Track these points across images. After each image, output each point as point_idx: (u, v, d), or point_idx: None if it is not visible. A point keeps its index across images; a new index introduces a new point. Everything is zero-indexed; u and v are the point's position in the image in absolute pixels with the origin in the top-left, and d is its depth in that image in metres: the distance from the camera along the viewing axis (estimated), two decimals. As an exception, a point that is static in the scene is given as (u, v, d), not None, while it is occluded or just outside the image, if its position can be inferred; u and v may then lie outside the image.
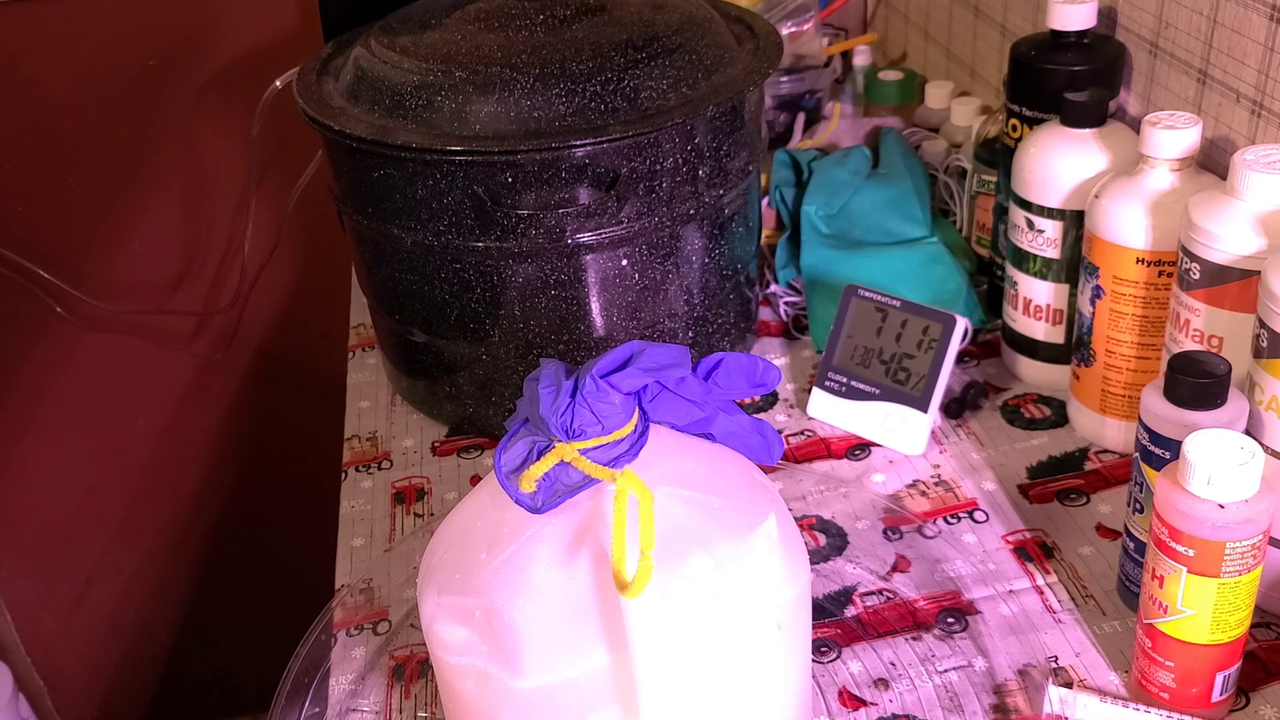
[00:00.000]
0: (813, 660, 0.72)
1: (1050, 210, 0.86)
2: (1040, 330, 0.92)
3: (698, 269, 0.90)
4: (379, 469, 0.93)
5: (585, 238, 0.83)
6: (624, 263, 0.86)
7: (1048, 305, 0.90)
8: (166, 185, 1.42)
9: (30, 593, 1.64)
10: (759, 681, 0.59)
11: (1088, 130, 0.85)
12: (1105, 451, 0.87)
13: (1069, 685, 0.69)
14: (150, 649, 1.76)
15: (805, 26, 1.22)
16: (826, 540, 0.82)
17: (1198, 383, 0.64)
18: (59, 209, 1.40)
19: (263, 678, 1.11)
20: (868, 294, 0.92)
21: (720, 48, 0.89)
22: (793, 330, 1.05)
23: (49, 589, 1.65)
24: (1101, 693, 0.68)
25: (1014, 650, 0.72)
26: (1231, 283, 0.70)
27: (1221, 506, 0.59)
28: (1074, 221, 0.86)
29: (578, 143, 0.79)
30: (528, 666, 0.55)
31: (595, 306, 0.87)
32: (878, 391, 0.90)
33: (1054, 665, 0.71)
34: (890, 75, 1.30)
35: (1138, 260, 0.78)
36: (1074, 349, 0.87)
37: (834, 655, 0.73)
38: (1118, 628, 0.73)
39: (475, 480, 0.91)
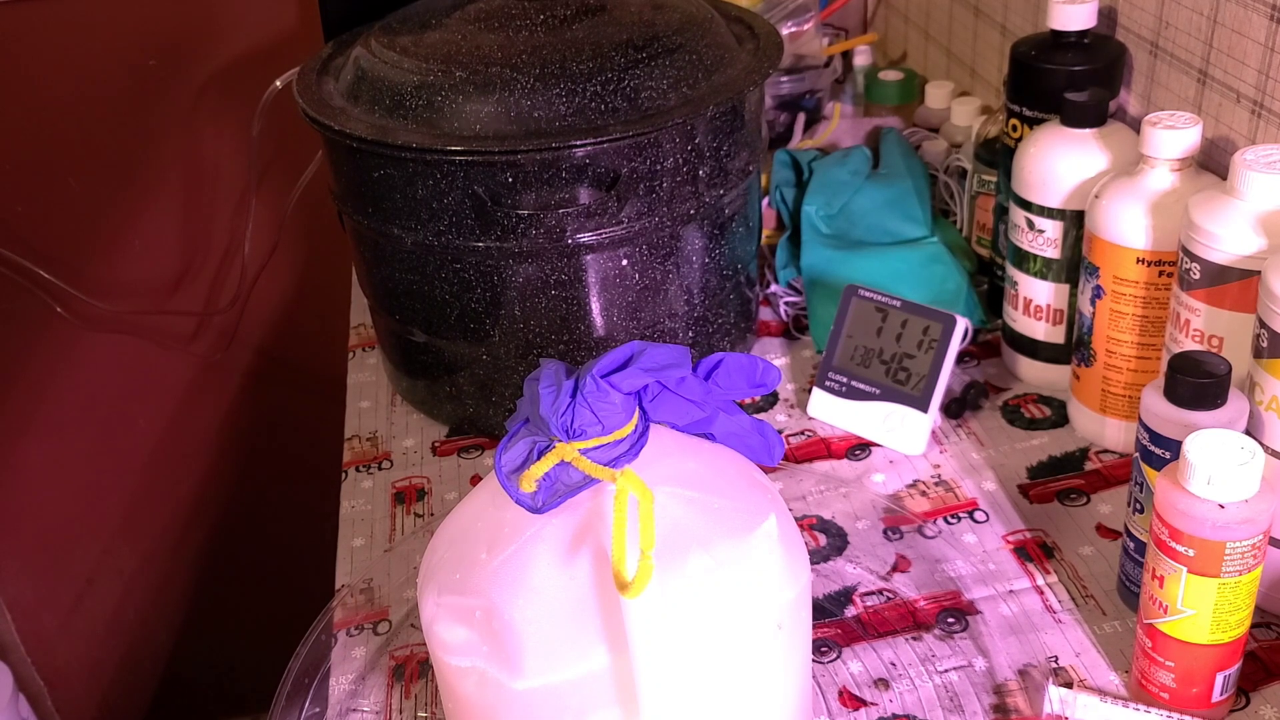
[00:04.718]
0: (813, 660, 0.72)
1: (1050, 210, 0.86)
2: (1040, 330, 0.92)
3: (698, 269, 0.90)
4: (379, 469, 0.93)
5: (585, 238, 0.83)
6: (624, 263, 0.86)
7: (1048, 305, 0.90)
8: (166, 185, 1.42)
9: (30, 593, 1.64)
10: (759, 681, 0.59)
11: (1088, 130, 0.85)
12: (1105, 451, 0.87)
13: (1069, 685, 0.69)
14: (150, 649, 1.76)
15: (805, 26, 1.22)
16: (827, 540, 0.82)
17: (1198, 383, 0.64)
18: (59, 209, 1.40)
19: (263, 678, 1.11)
20: (868, 294, 0.92)
21: (720, 48, 0.89)
22: (793, 330, 1.05)
23: (49, 589, 1.65)
24: (1101, 693, 0.68)
25: (1014, 650, 0.72)
26: (1231, 283, 0.70)
27: (1221, 506, 0.59)
28: (1074, 221, 0.86)
29: (578, 143, 0.79)
30: (528, 667, 0.54)
31: (595, 306, 0.87)
32: (878, 391, 0.90)
33: (1054, 665, 0.71)
34: (890, 75, 1.30)
35: (1138, 260, 0.78)
36: (1074, 349, 0.87)
37: (834, 655, 0.73)
38: (1118, 628, 0.73)
39: (475, 480, 0.91)
